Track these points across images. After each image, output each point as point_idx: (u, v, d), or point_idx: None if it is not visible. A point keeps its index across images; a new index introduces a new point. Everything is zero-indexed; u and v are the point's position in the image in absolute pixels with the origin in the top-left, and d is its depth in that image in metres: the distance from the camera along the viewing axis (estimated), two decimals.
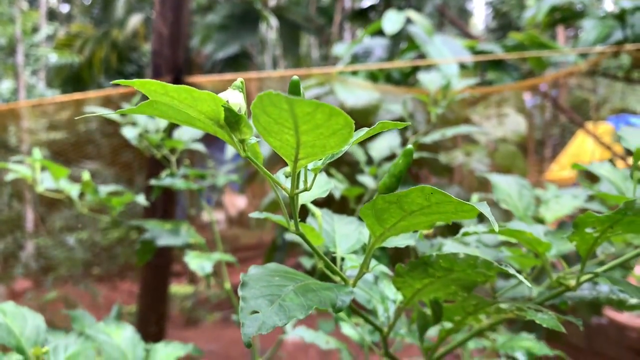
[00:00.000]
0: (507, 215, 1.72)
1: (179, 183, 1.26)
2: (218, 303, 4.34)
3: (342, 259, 0.60)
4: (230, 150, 2.48)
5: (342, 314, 0.75)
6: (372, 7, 5.98)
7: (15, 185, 3.89)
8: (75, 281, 4.13)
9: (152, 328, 2.09)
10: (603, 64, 3.07)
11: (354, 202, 1.32)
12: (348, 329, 0.91)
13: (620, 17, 2.77)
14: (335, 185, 1.25)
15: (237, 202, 7.23)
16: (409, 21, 3.38)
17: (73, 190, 1.25)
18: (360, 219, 0.55)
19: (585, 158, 4.12)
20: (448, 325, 0.64)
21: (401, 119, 1.83)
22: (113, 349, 0.79)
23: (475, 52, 3.28)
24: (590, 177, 1.84)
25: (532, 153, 3.82)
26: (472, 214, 0.39)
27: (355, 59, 3.51)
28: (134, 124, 1.38)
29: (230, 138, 0.41)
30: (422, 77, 1.56)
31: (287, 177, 0.46)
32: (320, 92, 2.45)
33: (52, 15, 10.74)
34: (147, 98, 0.39)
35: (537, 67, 3.25)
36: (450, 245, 0.78)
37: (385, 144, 1.40)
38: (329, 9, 9.48)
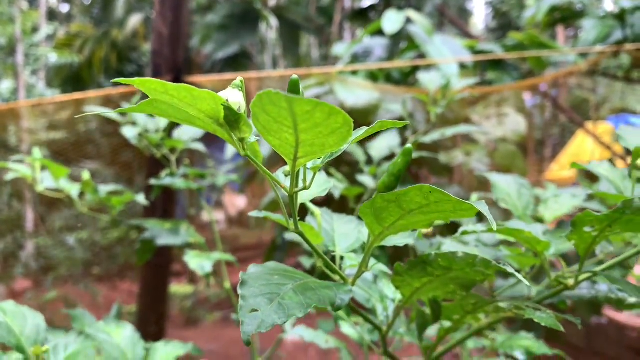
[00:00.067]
0: (506, 215, 1.72)
1: (178, 182, 1.26)
2: (218, 303, 4.34)
3: (342, 258, 0.60)
4: (230, 150, 2.48)
5: (341, 313, 0.75)
6: (372, 7, 5.98)
7: (15, 185, 3.89)
8: (75, 281, 4.13)
9: (152, 328, 2.10)
10: (603, 64, 3.08)
11: (354, 201, 1.32)
12: (347, 328, 0.91)
13: (620, 16, 2.77)
14: (335, 185, 1.25)
15: (237, 202, 7.23)
16: (408, 21, 3.38)
17: (73, 189, 1.25)
18: (359, 218, 0.55)
19: (585, 158, 4.13)
20: (447, 324, 0.64)
21: (401, 119, 1.83)
22: (113, 348, 0.79)
23: (475, 51, 3.29)
24: (590, 177, 1.84)
25: (532, 153, 3.82)
26: (470, 212, 0.39)
27: (355, 58, 3.51)
28: (133, 123, 1.38)
29: (229, 137, 0.41)
30: (422, 76, 1.56)
31: (286, 175, 0.46)
32: (320, 91, 2.46)
33: (52, 15, 10.74)
34: (147, 98, 0.39)
35: (537, 66, 3.26)
36: (449, 245, 0.78)
37: (385, 143, 1.40)
38: (329, 9, 9.48)
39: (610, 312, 2.68)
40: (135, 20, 8.17)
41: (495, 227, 0.36)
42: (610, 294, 0.66)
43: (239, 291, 0.41)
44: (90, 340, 0.79)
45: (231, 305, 1.31)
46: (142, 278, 2.21)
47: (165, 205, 2.09)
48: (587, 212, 0.50)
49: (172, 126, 1.36)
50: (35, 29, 8.04)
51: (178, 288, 4.45)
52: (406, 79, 3.18)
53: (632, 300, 0.66)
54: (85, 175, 1.23)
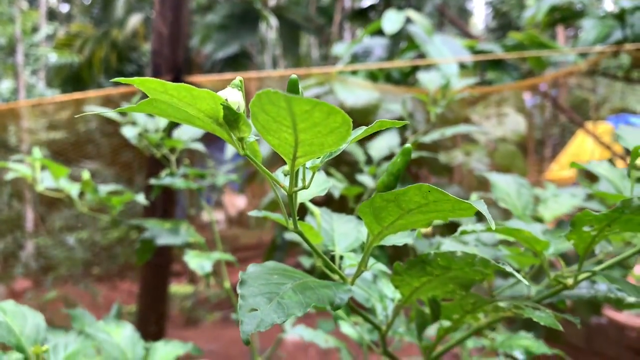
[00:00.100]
0: (506, 214, 1.72)
1: (178, 182, 1.26)
2: (218, 303, 4.35)
3: (341, 258, 0.60)
4: (230, 150, 2.48)
5: (341, 313, 0.75)
6: (372, 7, 5.98)
7: (15, 185, 3.89)
8: (75, 281, 4.13)
9: (151, 328, 2.10)
10: (603, 64, 3.08)
11: (353, 201, 1.32)
12: (347, 327, 0.92)
13: (620, 16, 2.78)
14: (335, 185, 1.25)
15: (236, 202, 7.23)
16: (408, 21, 3.39)
17: (73, 189, 1.25)
18: (359, 217, 0.55)
19: (585, 158, 4.13)
20: (446, 323, 0.64)
21: (400, 119, 1.83)
22: (112, 348, 0.79)
23: (474, 51, 3.29)
24: (590, 177, 1.84)
25: (532, 153, 3.82)
26: (469, 212, 0.39)
27: (355, 58, 3.51)
28: (133, 123, 1.38)
29: (229, 136, 0.41)
30: (422, 76, 1.56)
31: (285, 175, 0.46)
32: (320, 91, 2.46)
33: (52, 15, 10.74)
34: (147, 97, 0.39)
35: (536, 66, 3.26)
36: (448, 244, 0.78)
37: (385, 143, 1.40)
38: (328, 9, 9.48)
39: (610, 312, 2.68)
40: (135, 20, 8.17)
41: (493, 227, 0.36)
42: (610, 293, 0.66)
43: (238, 290, 0.42)
44: (90, 340, 0.79)
45: (231, 305, 1.31)
46: (142, 278, 2.21)
47: (165, 205, 2.09)
48: (586, 212, 0.51)
49: (172, 126, 1.36)
50: (35, 29, 8.04)
51: (178, 288, 4.45)
52: (406, 78, 3.18)
53: (631, 299, 0.67)
54: (85, 175, 1.23)
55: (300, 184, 0.45)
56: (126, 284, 4.47)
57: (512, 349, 0.86)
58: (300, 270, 0.51)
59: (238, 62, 7.24)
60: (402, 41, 3.48)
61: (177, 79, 2.14)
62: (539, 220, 0.86)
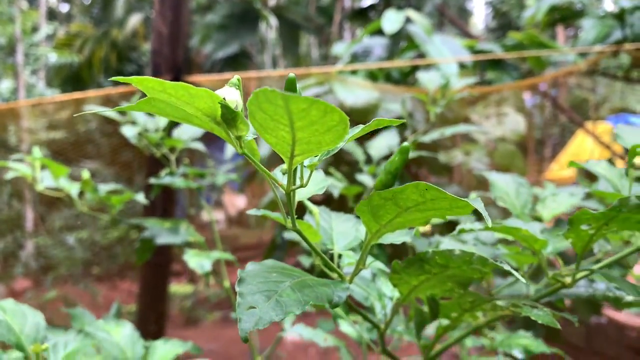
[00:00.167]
0: (505, 213, 1.72)
1: (178, 182, 1.26)
2: (218, 302, 4.35)
3: (340, 256, 0.60)
4: (229, 150, 2.48)
5: (340, 311, 0.75)
6: (371, 7, 5.98)
7: (15, 185, 3.89)
8: (75, 280, 4.13)
9: (151, 327, 2.10)
10: (602, 64, 3.08)
11: (353, 200, 1.32)
12: (346, 326, 0.92)
13: (620, 16, 2.78)
14: (334, 184, 1.25)
15: (236, 202, 7.23)
16: (408, 20, 3.39)
17: (73, 189, 1.25)
18: (358, 216, 0.56)
19: (584, 157, 4.12)
20: (445, 322, 0.65)
21: (400, 118, 1.83)
22: (112, 346, 0.79)
23: (474, 51, 3.29)
24: (590, 177, 1.84)
25: (532, 152, 3.82)
26: (466, 210, 0.39)
27: (355, 58, 3.52)
28: (133, 122, 1.38)
29: (227, 135, 0.41)
30: (422, 76, 1.56)
31: (283, 174, 0.47)
32: (319, 91, 2.46)
33: (52, 14, 10.74)
34: (146, 97, 0.39)
35: (536, 66, 3.26)
36: (447, 243, 0.78)
37: (384, 143, 1.40)
38: (328, 9, 9.48)
39: (609, 312, 2.68)
40: (135, 20, 8.17)
41: (490, 224, 0.36)
42: (608, 292, 0.67)
43: (237, 288, 0.42)
44: (89, 339, 0.79)
45: (231, 304, 1.31)
46: (141, 277, 2.21)
47: (165, 204, 2.09)
48: (583, 210, 0.51)
49: (172, 125, 1.36)
50: (35, 29, 8.04)
51: (178, 288, 4.45)
52: (406, 78, 3.18)
53: (629, 298, 0.67)
54: (85, 174, 1.23)
55: (298, 183, 0.45)
56: (126, 283, 4.47)
57: (511, 348, 0.86)
58: (299, 269, 0.51)
59: (238, 61, 7.24)
60: (401, 41, 3.48)
61: (176, 78, 2.14)
62: (537, 219, 0.86)
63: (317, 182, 0.53)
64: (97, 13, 10.51)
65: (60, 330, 0.88)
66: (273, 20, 7.35)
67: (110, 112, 1.30)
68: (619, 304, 0.70)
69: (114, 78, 0.38)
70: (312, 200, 0.65)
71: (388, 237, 0.50)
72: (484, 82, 3.28)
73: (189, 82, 0.37)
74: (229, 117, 0.39)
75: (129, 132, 1.34)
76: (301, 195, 0.51)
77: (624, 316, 2.68)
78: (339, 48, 3.98)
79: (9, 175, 1.25)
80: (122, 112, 1.40)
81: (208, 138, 1.23)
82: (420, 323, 0.64)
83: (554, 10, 3.11)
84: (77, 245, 4.20)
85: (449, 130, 1.46)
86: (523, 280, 0.44)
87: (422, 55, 3.21)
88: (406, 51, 3.39)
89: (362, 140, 1.46)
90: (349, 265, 0.60)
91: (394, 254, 1.36)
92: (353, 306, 0.60)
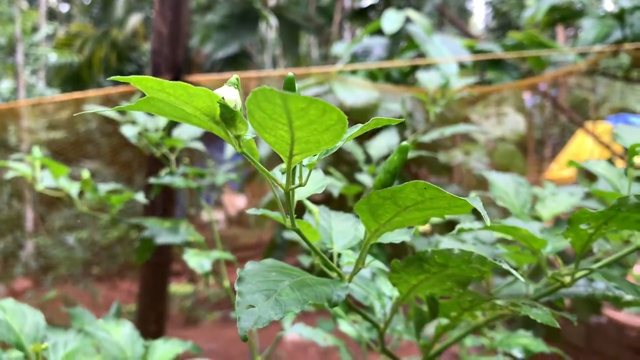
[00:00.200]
0: (504, 213, 1.72)
1: (178, 181, 1.26)
2: (218, 302, 4.35)
3: (339, 255, 0.60)
4: (229, 150, 2.48)
5: (339, 311, 0.75)
6: (371, 7, 5.98)
7: (15, 185, 3.89)
8: (74, 280, 4.13)
9: (151, 327, 2.10)
10: (602, 64, 3.08)
11: (353, 200, 1.32)
12: (346, 326, 0.92)
13: (620, 16, 2.78)
14: (334, 184, 1.25)
15: (236, 202, 7.23)
16: (408, 20, 3.39)
17: (73, 188, 1.25)
18: (357, 216, 0.56)
19: (584, 157, 4.11)
20: (445, 321, 0.65)
21: (399, 118, 1.83)
22: (112, 346, 0.79)
23: (474, 51, 3.29)
24: (590, 177, 1.84)
25: (532, 152, 3.82)
26: (465, 209, 0.39)
27: (355, 58, 3.52)
28: (133, 122, 1.38)
29: (226, 134, 0.41)
30: (421, 76, 1.56)
31: (282, 173, 0.47)
32: (319, 91, 2.46)
33: (52, 14, 10.74)
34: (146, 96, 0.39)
35: (536, 66, 3.26)
36: (446, 242, 0.78)
37: (384, 142, 1.40)
38: (328, 9, 9.48)
39: (609, 311, 2.68)
40: (135, 20, 8.17)
41: (489, 223, 0.36)
42: (608, 291, 0.67)
43: (236, 287, 0.42)
44: (89, 338, 0.79)
45: (231, 304, 1.31)
46: (141, 277, 2.21)
47: (164, 204, 2.09)
48: (583, 210, 0.51)
49: (172, 125, 1.36)
50: (35, 29, 8.04)
51: (178, 287, 4.45)
52: (405, 78, 3.18)
53: (628, 297, 0.67)
54: (85, 174, 1.23)
55: (297, 182, 0.45)
56: (126, 283, 4.47)
57: (511, 348, 0.86)
58: (299, 268, 0.51)
59: (238, 61, 7.25)
60: (401, 41, 3.48)
61: (176, 78, 2.14)
62: (537, 218, 0.86)
63: (316, 182, 0.53)
64: (97, 13, 10.51)
65: (60, 329, 0.88)
66: (273, 20, 7.35)
67: (110, 112, 1.30)
68: (618, 303, 0.70)
69: (113, 78, 0.38)
70: (312, 199, 0.65)
71: (387, 236, 0.50)
72: (484, 82, 3.28)
73: (188, 82, 0.37)
74: (227, 116, 0.39)
75: (128, 131, 1.34)
76: (300, 194, 0.51)
77: (623, 316, 2.68)
78: (339, 48, 3.98)
79: (9, 175, 1.25)
80: (122, 112, 1.40)
81: (208, 138, 1.23)
82: (420, 322, 0.64)
83: (553, 10, 3.11)
84: (77, 245, 4.20)
85: (448, 130, 1.46)
86: (522, 279, 0.44)
87: (422, 55, 3.21)
88: (406, 51, 3.39)
89: (361, 140, 1.47)
90: (348, 264, 0.60)
91: (393, 254, 1.36)
92: (352, 305, 0.60)
